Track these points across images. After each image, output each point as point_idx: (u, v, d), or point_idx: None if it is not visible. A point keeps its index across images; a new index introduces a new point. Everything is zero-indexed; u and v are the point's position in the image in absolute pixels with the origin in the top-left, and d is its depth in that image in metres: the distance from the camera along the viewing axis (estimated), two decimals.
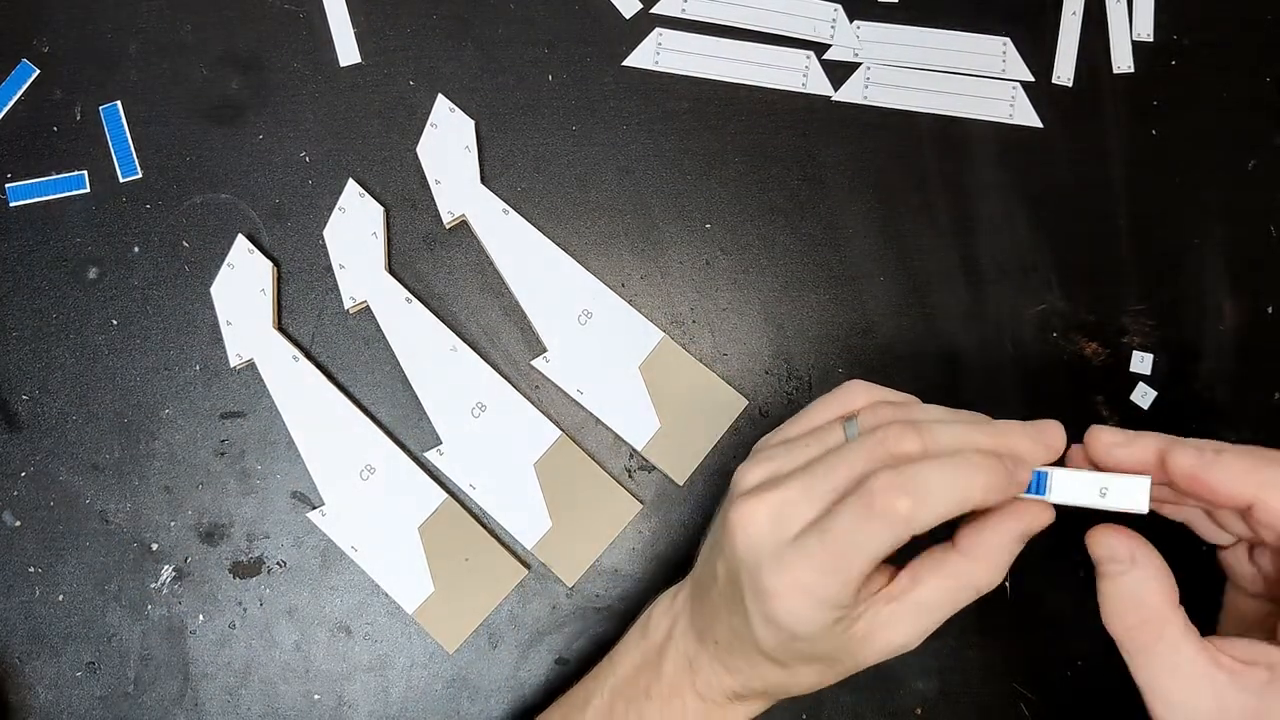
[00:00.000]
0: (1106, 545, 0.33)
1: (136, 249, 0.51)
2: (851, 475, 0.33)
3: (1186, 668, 0.31)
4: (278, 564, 0.49)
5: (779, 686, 0.37)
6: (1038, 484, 0.33)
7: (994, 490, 0.32)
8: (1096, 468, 0.34)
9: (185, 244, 0.51)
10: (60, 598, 0.49)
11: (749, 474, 0.35)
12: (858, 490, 0.32)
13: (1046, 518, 0.34)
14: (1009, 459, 0.33)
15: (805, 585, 0.32)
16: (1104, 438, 0.33)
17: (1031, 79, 0.54)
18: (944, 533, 0.34)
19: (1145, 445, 0.33)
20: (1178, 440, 0.33)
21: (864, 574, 0.32)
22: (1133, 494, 0.32)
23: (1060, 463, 0.35)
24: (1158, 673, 0.31)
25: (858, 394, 0.37)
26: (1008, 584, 0.49)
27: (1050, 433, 0.34)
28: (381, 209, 0.51)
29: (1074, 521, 0.49)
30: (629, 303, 0.51)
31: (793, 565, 0.33)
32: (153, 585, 0.49)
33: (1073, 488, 0.33)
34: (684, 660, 0.39)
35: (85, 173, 0.51)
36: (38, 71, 0.52)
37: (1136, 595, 0.32)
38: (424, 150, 0.52)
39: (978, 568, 0.33)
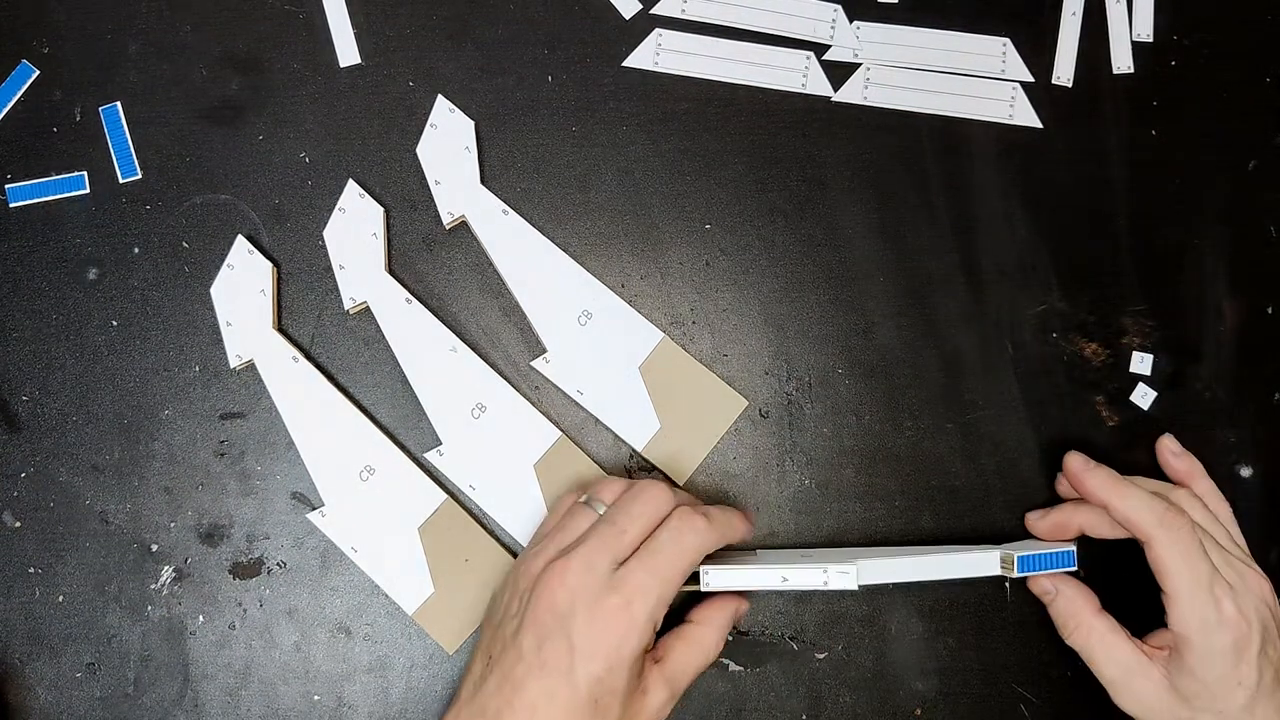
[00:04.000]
0: (1037, 585, 0.46)
1: (136, 250, 0.51)
2: (632, 526, 0.40)
3: (1123, 659, 0.43)
4: (278, 565, 0.49)
5: None
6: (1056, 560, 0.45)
7: (746, 532, 0.45)
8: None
9: (185, 245, 0.51)
10: (60, 599, 0.49)
11: (533, 563, 0.41)
12: (664, 522, 0.41)
13: (746, 606, 0.45)
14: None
15: (645, 588, 0.39)
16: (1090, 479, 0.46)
17: (1031, 79, 0.54)
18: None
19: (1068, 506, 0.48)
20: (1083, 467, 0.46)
21: (683, 577, 0.40)
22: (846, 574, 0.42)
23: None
24: (1106, 668, 0.44)
25: (571, 492, 0.45)
26: (1008, 584, 0.49)
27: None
28: (381, 210, 0.51)
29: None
30: (629, 303, 0.51)
31: (627, 578, 0.39)
32: (152, 586, 0.49)
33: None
34: None
35: (85, 173, 0.51)
36: (38, 72, 0.52)
37: (1067, 610, 0.45)
38: (424, 151, 0.52)
39: (707, 632, 0.43)
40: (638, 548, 0.40)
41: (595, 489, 0.44)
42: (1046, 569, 0.44)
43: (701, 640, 0.43)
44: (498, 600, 0.43)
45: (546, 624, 0.38)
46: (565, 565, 0.39)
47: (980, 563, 0.44)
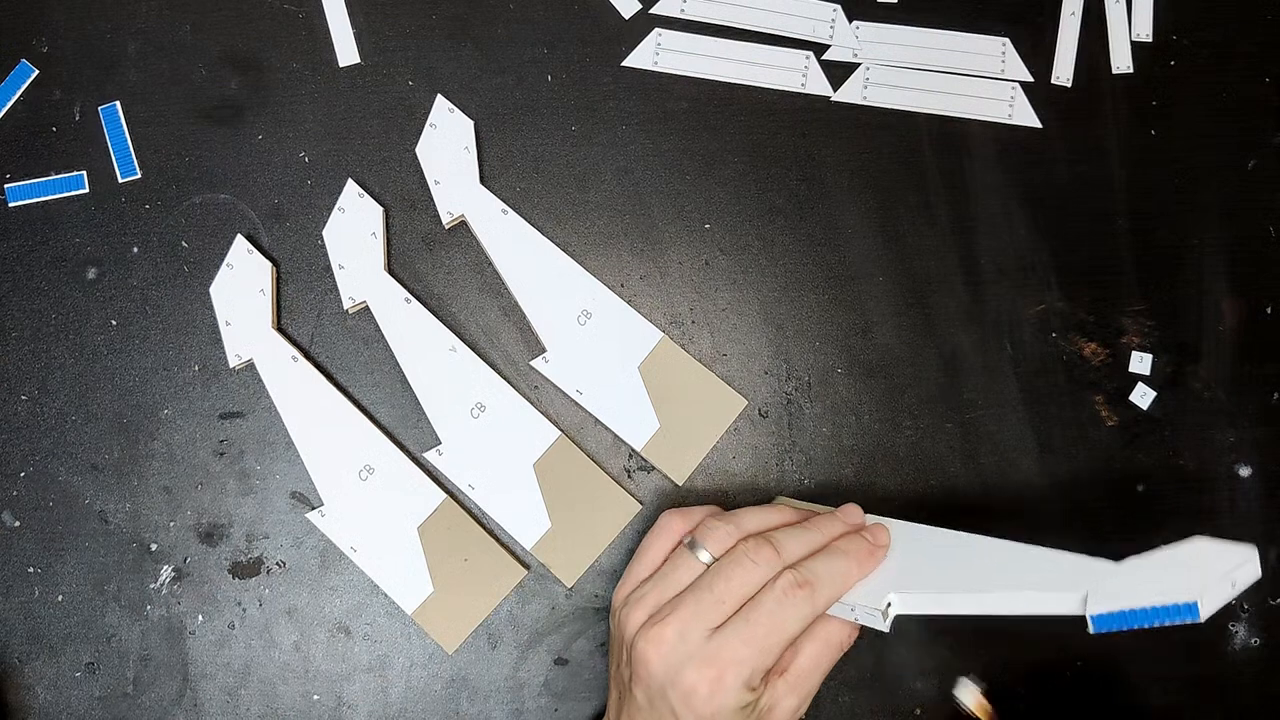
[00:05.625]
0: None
1: (135, 249, 0.51)
2: (730, 596, 0.39)
3: None
4: (277, 564, 0.49)
5: None
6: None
7: (868, 565, 0.40)
8: None
9: (184, 244, 0.51)
10: (59, 598, 0.49)
11: (632, 616, 0.40)
12: (769, 586, 0.39)
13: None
14: (869, 540, 0.41)
15: (739, 660, 0.38)
16: None
17: (1031, 79, 0.53)
18: None
19: None
20: None
21: (782, 648, 0.38)
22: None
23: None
24: None
25: (676, 522, 0.43)
26: None
27: (851, 513, 0.43)
28: (381, 209, 0.51)
29: (1076, 528, 0.49)
30: (628, 303, 0.51)
31: (720, 650, 0.38)
32: (152, 586, 0.49)
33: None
34: None
35: (84, 173, 0.51)
36: (37, 72, 0.52)
37: None
38: (423, 150, 0.52)
39: (836, 627, 0.40)
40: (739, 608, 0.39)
41: (703, 533, 0.41)
42: (1156, 623, 0.32)
43: (829, 636, 0.40)
44: (611, 632, 0.43)
45: (649, 685, 0.39)
46: (660, 634, 0.39)
47: (1056, 603, 0.36)
